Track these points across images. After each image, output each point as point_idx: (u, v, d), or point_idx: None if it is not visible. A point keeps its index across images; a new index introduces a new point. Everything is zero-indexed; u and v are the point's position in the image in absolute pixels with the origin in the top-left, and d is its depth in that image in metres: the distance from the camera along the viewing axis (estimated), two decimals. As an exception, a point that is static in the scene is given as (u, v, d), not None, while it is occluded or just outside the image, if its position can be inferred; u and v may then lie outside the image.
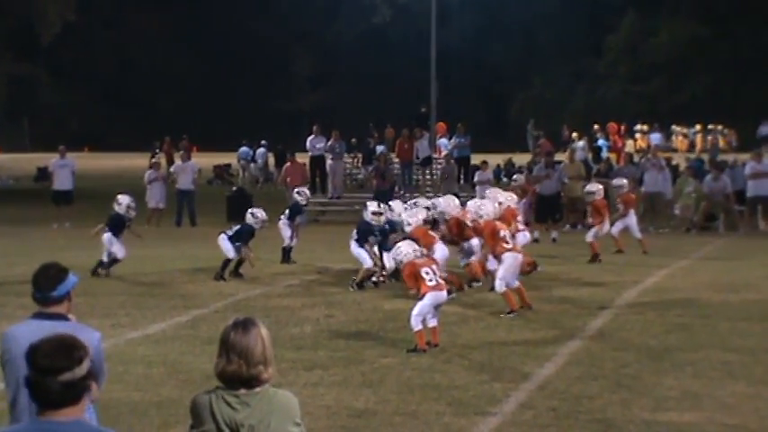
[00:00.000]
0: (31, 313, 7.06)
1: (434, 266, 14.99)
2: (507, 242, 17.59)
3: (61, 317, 6.93)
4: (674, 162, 41.32)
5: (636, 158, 42.01)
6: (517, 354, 14.11)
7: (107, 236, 21.54)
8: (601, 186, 25.30)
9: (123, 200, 22.17)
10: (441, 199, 21.13)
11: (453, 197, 21.55)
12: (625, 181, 26.19)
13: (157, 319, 16.79)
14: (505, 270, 17.24)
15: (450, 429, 10.62)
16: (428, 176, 41.07)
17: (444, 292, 14.80)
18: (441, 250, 18.59)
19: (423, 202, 21.58)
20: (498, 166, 43.64)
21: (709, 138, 52.42)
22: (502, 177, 44.01)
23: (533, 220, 28.78)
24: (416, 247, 15.44)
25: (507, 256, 17.34)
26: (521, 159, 37.02)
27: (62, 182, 34.34)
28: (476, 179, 34.55)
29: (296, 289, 20.22)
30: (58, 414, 4.65)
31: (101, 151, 72.44)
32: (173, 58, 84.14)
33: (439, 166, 41.27)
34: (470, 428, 10.67)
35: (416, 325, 14.23)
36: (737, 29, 72.55)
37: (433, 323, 14.57)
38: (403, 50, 77.53)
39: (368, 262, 19.85)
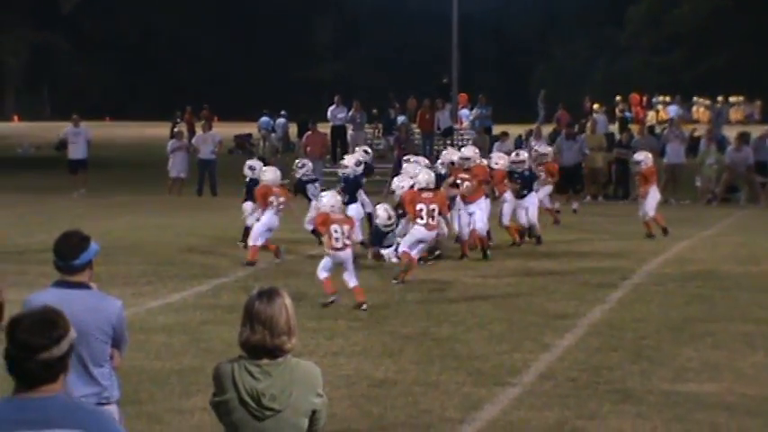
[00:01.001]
0: (51, 281, 7.08)
1: (347, 227, 15.61)
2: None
3: (83, 285, 6.93)
4: (696, 134, 41.11)
5: (657, 130, 41.86)
6: (537, 324, 14.14)
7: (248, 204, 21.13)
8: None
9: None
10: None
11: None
12: (646, 155, 24.07)
13: (178, 288, 16.85)
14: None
15: (470, 399, 10.65)
16: (449, 147, 40.96)
17: (342, 254, 15.40)
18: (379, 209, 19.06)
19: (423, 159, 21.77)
20: (520, 136, 43.42)
21: (712, 110, 52.06)
22: (523, 147, 43.90)
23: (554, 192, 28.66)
24: (337, 201, 16.15)
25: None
26: (542, 131, 36.98)
27: (77, 150, 34.33)
28: (494, 149, 34.39)
29: (316, 258, 20.23)
30: (33, 391, 4.62)
31: (122, 120, 72.56)
32: (194, 27, 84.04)
33: (460, 137, 41.17)
34: (490, 399, 10.70)
35: (320, 275, 15.52)
36: (759, 0, 72.05)
37: (352, 283, 15.27)
38: (424, 20, 77.32)
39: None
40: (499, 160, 22.00)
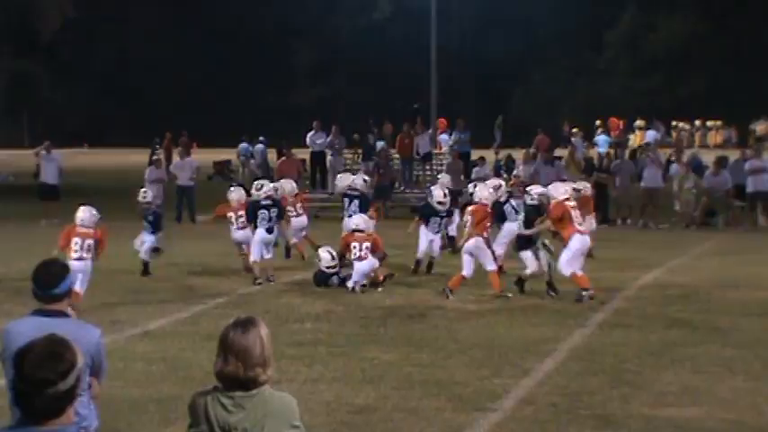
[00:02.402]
0: (29, 310, 7.05)
1: (365, 243, 19.01)
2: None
3: (62, 314, 6.89)
4: (672, 158, 41.26)
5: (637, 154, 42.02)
6: (517, 349, 14.13)
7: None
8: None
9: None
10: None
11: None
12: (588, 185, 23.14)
13: (157, 315, 16.80)
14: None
15: (451, 425, 10.63)
16: (428, 172, 40.98)
17: (362, 264, 19.00)
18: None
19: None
20: (498, 161, 43.55)
21: (674, 133, 52.36)
22: (502, 173, 43.95)
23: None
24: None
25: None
26: (520, 155, 37.07)
27: (48, 176, 34.25)
28: (473, 175, 34.47)
29: (296, 285, 20.23)
30: (40, 424, 4.56)
31: (101, 147, 72.40)
32: (172, 53, 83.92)
33: (439, 162, 41.20)
34: (471, 424, 10.68)
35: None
36: (737, 25, 72.48)
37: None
38: (403, 45, 77.44)
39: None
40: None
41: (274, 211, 20.24)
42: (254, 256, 20.02)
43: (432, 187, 20.76)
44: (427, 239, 21.22)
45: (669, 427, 10.53)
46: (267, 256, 20.11)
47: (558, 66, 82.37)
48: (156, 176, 33.92)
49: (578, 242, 18.10)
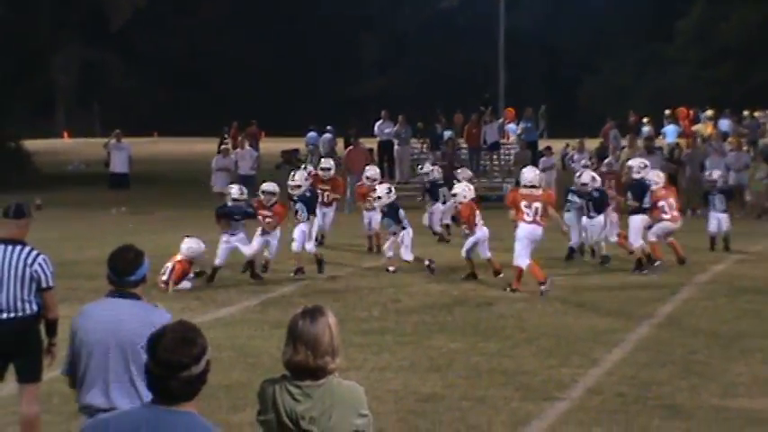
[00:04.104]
0: (101, 296, 7.16)
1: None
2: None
3: (135, 296, 7.01)
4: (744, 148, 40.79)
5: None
6: (585, 339, 14.08)
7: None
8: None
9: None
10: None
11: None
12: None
13: (227, 302, 16.93)
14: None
15: (518, 414, 10.62)
16: (495, 162, 40.88)
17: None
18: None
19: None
20: (565, 150, 43.35)
21: (745, 123, 51.74)
22: (569, 163, 43.71)
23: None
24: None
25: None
26: (591, 144, 36.81)
27: (118, 165, 34.56)
28: (540, 165, 34.33)
29: (365, 272, 20.29)
30: (172, 406, 4.70)
31: (171, 136, 72.91)
32: (242, 43, 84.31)
33: (506, 152, 41.08)
34: (538, 414, 10.66)
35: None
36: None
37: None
38: (470, 35, 77.28)
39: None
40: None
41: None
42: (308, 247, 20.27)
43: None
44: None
45: (739, 417, 10.45)
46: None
47: (627, 55, 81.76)
48: (222, 165, 34.16)
49: (523, 231, 18.18)
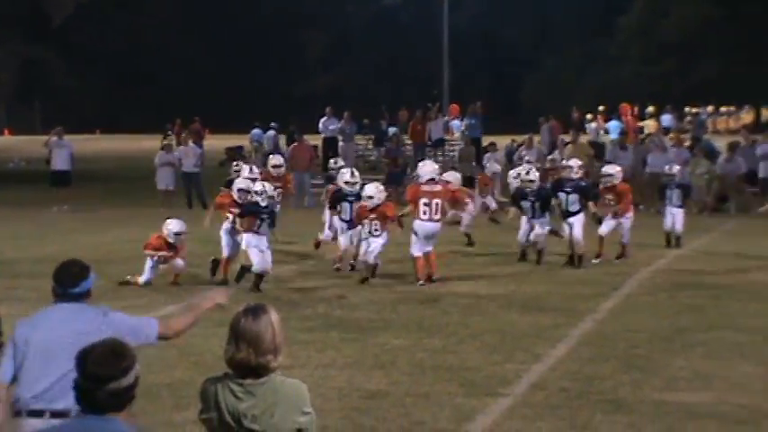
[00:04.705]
0: (42, 295, 7.16)
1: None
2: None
3: (80, 302, 7.07)
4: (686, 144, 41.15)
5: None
6: (529, 335, 14.16)
7: None
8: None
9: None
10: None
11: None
12: (618, 169, 22.36)
13: (170, 301, 16.82)
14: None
15: (462, 410, 10.65)
16: (440, 158, 40.98)
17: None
18: None
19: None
20: (512, 146, 43.63)
21: (687, 119, 52.25)
22: (514, 159, 43.86)
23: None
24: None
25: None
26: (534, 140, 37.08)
27: (60, 162, 34.37)
28: (485, 161, 34.54)
29: (309, 270, 20.26)
30: (102, 415, 4.81)
31: (113, 133, 72.50)
32: (185, 40, 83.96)
33: (451, 148, 41.20)
34: (482, 409, 10.70)
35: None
36: (748, 10, 72.19)
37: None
38: (415, 32, 77.48)
39: None
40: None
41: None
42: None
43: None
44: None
45: (680, 411, 10.54)
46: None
47: (569, 51, 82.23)
48: (165, 160, 34.13)
49: (417, 227, 18.48)
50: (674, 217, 22.72)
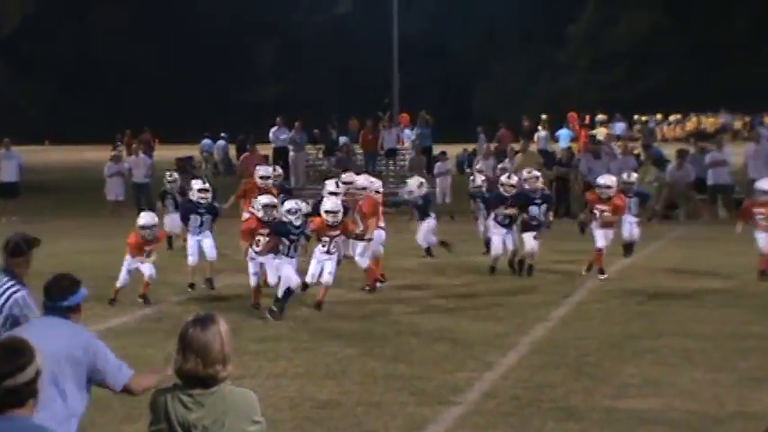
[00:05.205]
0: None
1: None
2: None
3: (66, 317, 7.16)
4: (635, 152, 41.43)
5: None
6: (480, 343, 14.19)
7: None
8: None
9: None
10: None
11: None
12: (614, 179, 21.19)
13: (120, 312, 16.75)
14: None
15: (414, 419, 10.66)
16: (391, 167, 41.01)
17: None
18: None
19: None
20: (465, 151, 43.86)
21: (636, 127, 52.62)
22: (465, 168, 44.00)
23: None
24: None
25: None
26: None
27: (7, 174, 34.16)
28: (435, 170, 34.62)
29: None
30: (2, 416, 4.79)
31: (62, 144, 72.04)
32: (134, 50, 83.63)
33: (402, 158, 41.22)
34: (434, 418, 10.71)
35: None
36: (697, 18, 72.90)
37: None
38: (366, 41, 77.56)
39: None
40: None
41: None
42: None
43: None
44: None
45: (630, 418, 10.60)
46: None
47: (519, 60, 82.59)
48: (114, 171, 34.05)
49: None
50: (632, 225, 21.95)
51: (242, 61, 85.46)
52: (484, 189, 23.02)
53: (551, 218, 21.21)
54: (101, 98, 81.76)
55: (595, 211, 20.18)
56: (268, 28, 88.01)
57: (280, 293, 16.28)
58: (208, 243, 19.08)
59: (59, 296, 7.12)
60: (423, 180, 23.05)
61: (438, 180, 33.62)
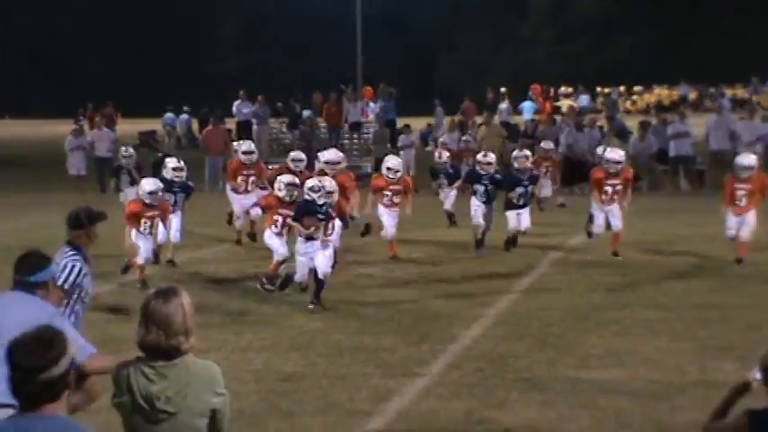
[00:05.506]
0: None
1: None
2: None
3: (33, 293, 7.13)
4: (599, 123, 41.58)
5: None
6: (444, 315, 14.25)
7: None
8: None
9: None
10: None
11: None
12: (622, 153, 21.07)
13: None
14: None
15: (379, 391, 10.70)
16: (356, 141, 40.96)
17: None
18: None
19: None
20: (428, 130, 43.81)
21: (600, 99, 52.92)
22: (429, 141, 44.00)
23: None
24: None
25: None
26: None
27: None
28: (399, 143, 34.63)
29: (225, 254, 20.20)
30: (37, 411, 4.70)
31: (22, 118, 71.54)
32: (96, 22, 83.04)
33: (366, 131, 41.18)
34: (398, 390, 10.76)
35: None
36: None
37: None
38: (329, 14, 77.27)
39: None
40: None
41: None
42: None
43: None
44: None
45: (594, 388, 10.68)
46: None
47: (482, 32, 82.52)
48: (75, 145, 33.90)
49: None
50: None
51: (205, 35, 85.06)
52: (448, 165, 23.62)
53: (537, 192, 21.66)
54: (61, 71, 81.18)
55: (606, 188, 19.66)
56: (231, 2, 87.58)
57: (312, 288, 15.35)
58: (175, 224, 18.88)
59: (27, 271, 7.12)
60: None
61: (402, 153, 33.62)
